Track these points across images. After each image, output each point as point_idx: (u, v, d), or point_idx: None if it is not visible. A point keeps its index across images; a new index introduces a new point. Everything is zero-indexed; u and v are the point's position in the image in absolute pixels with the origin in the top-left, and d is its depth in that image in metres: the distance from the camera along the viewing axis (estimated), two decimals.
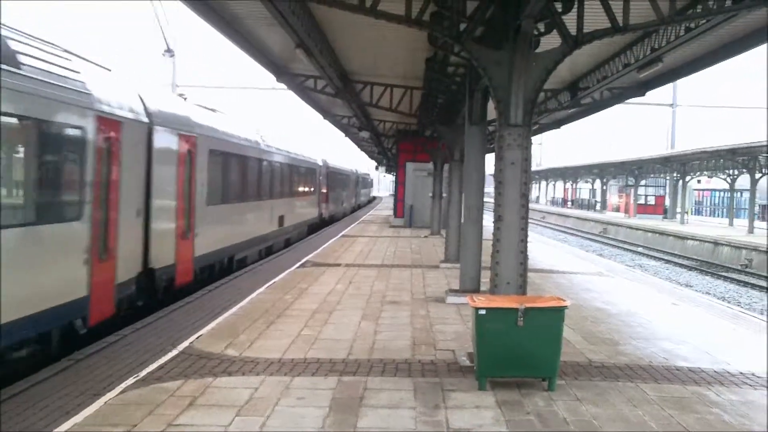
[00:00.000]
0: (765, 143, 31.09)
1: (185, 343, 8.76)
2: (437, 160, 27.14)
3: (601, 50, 14.45)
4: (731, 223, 42.77)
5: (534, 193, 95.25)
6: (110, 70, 11.12)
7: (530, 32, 8.13)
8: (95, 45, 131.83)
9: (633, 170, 53.74)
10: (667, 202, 54.83)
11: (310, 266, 16.94)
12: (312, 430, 5.85)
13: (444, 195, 25.34)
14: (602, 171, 62.54)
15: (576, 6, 8.56)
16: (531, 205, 14.07)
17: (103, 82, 9.97)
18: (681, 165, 46.54)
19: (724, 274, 26.53)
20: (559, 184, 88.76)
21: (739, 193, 51.54)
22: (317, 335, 9.37)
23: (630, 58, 14.12)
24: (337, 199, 42.35)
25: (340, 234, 27.62)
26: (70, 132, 8.66)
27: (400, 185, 34.03)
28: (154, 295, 11.80)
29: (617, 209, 62.78)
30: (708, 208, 68.98)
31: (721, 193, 63.92)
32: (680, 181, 48.80)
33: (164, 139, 12.01)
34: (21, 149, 7.72)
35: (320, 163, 33.87)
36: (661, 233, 38.24)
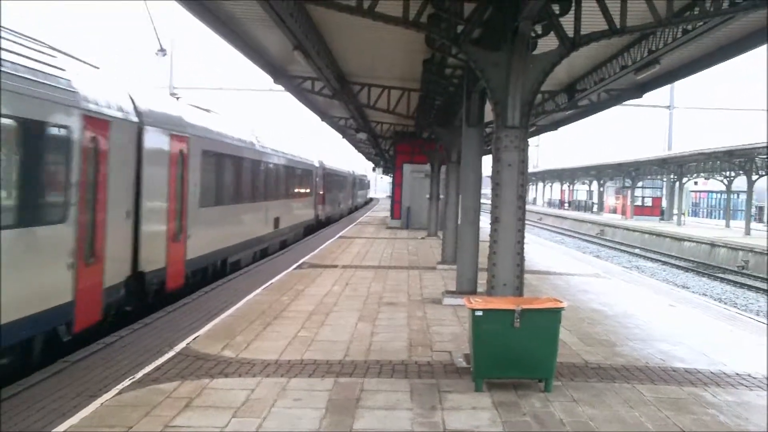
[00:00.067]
0: (761, 145, 31.18)
1: (182, 345, 8.74)
2: (434, 162, 27.12)
3: (599, 52, 14.47)
4: (728, 225, 42.85)
5: (531, 194, 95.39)
6: (98, 68, 10.90)
7: (528, 34, 8.14)
8: (95, 46, 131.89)
9: (630, 172, 53.87)
10: (664, 203, 54.93)
11: (306, 268, 16.93)
12: (308, 431, 5.84)
13: (441, 196, 25.36)
14: (599, 172, 62.62)
15: (573, 8, 8.58)
16: (528, 207, 14.08)
17: (91, 80, 9.73)
18: (678, 167, 46.66)
19: (720, 275, 26.57)
20: (556, 185, 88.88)
21: (735, 195, 51.65)
22: (314, 337, 9.36)
23: (627, 60, 14.15)
24: (334, 201, 42.31)
25: (337, 235, 27.59)
26: (54, 131, 8.38)
27: (397, 187, 34.00)
28: (145, 299, 11.59)
29: (614, 211, 62.92)
30: (705, 210, 69.17)
31: (718, 195, 64.09)
32: (677, 183, 48.87)
33: (155, 139, 11.79)
34: (0, 149, 7.35)
35: (317, 165, 33.80)
36: (658, 235, 38.31)
